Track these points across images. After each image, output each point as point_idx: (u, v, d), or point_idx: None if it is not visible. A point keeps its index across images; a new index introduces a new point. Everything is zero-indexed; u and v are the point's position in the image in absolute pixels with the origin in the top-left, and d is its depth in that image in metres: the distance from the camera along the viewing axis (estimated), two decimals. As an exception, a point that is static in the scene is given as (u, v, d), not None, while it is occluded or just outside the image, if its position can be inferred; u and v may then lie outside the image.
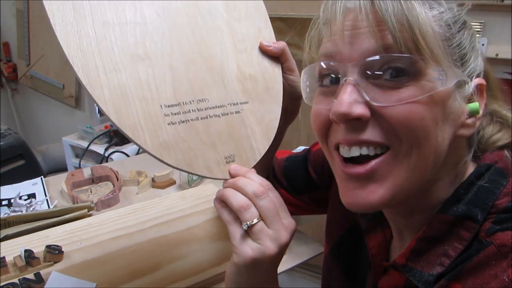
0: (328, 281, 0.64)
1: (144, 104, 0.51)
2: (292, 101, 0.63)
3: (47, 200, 0.94)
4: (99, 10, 0.51)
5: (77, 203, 0.92)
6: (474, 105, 0.41)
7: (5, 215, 0.82)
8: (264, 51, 0.61)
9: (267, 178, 0.71)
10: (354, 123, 0.40)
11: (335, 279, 0.61)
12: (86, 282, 0.64)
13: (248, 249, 0.46)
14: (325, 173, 0.69)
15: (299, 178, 0.72)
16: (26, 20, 2.43)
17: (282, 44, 0.61)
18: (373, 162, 0.41)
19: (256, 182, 0.48)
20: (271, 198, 0.48)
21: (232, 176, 0.51)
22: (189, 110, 0.54)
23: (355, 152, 0.41)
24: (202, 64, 0.56)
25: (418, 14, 0.38)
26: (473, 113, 0.42)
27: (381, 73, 0.39)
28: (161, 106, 0.52)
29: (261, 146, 0.58)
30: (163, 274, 0.67)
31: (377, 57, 0.39)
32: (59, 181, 1.03)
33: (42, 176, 1.05)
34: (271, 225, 0.46)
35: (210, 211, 0.82)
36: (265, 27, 0.63)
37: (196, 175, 0.52)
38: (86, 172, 1.07)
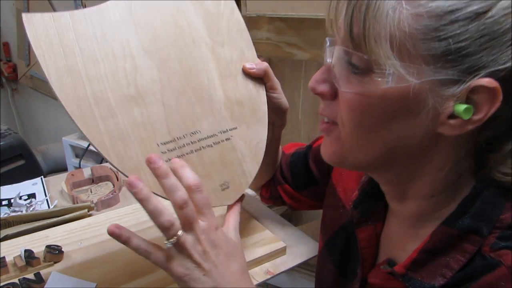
0: (321, 275, 0.64)
1: (142, 145, 0.52)
2: (278, 116, 0.67)
3: (47, 200, 0.94)
4: (90, 57, 0.52)
5: (77, 203, 0.92)
6: (459, 107, 0.37)
7: (5, 215, 0.82)
8: (248, 74, 0.62)
9: (272, 176, 0.77)
10: (323, 96, 0.46)
11: (328, 273, 0.62)
12: (86, 282, 0.64)
13: (178, 267, 0.47)
14: (325, 170, 0.71)
15: (300, 174, 0.75)
16: (26, 20, 2.43)
17: (264, 65, 0.64)
18: (325, 125, 0.47)
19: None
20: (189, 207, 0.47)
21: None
22: (184, 144, 0.55)
23: (322, 116, 0.48)
24: (191, 96, 0.57)
25: (380, 11, 0.36)
26: (458, 115, 0.38)
27: (348, 60, 0.41)
28: (157, 144, 0.53)
29: (252, 169, 0.60)
30: (163, 274, 0.67)
31: (340, 48, 0.41)
32: (59, 181, 1.02)
33: (42, 176, 1.05)
34: (192, 232, 0.47)
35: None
36: (247, 47, 0.64)
37: None
38: (86, 172, 1.07)
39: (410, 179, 0.45)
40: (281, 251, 0.72)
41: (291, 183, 0.76)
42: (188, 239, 0.47)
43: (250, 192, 0.96)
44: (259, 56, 0.66)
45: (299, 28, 1.65)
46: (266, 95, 0.64)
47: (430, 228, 0.45)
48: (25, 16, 0.49)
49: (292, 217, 0.90)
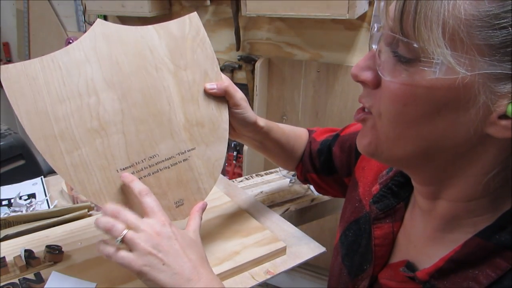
0: (332, 267, 0.64)
1: (102, 172, 0.57)
2: (246, 129, 0.70)
3: (47, 200, 0.94)
4: (57, 98, 0.56)
5: (77, 203, 0.92)
6: (510, 107, 0.34)
7: (5, 215, 0.82)
8: (209, 94, 0.65)
9: (301, 159, 0.81)
10: (364, 84, 0.43)
11: (337, 265, 0.62)
12: (86, 282, 0.64)
13: (134, 261, 0.50)
14: (345, 161, 0.73)
15: (326, 161, 0.76)
16: (26, 20, 2.43)
17: (225, 84, 0.65)
18: (364, 114, 0.44)
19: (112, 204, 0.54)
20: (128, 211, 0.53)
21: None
22: (142, 168, 0.60)
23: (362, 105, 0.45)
24: (151, 122, 0.61)
25: None
26: (510, 116, 0.34)
27: (394, 49, 0.38)
28: (117, 170, 0.58)
29: (208, 186, 0.65)
30: (163, 274, 0.67)
31: (388, 34, 0.38)
32: (59, 181, 1.02)
33: (42, 176, 1.05)
34: (137, 230, 0.52)
35: (210, 211, 0.82)
36: (211, 67, 0.67)
37: None
38: (86, 172, 1.07)
39: (448, 179, 0.42)
40: (281, 251, 0.72)
41: (319, 169, 0.78)
42: (136, 235, 0.51)
43: (250, 192, 0.96)
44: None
45: (299, 28, 1.65)
46: (231, 111, 0.67)
47: (460, 234, 0.43)
48: (1, 68, 0.54)
49: (292, 217, 0.90)
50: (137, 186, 0.56)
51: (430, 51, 0.34)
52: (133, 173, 0.59)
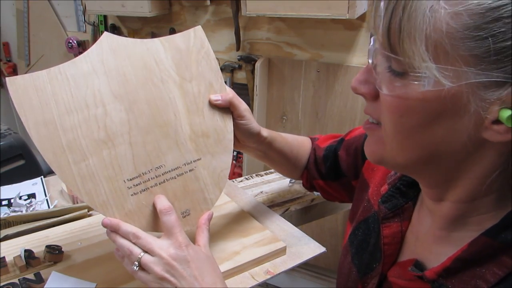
0: (342, 266, 0.65)
1: (110, 182, 0.58)
2: (250, 139, 0.70)
3: (47, 200, 0.94)
4: (65, 109, 0.57)
5: (77, 203, 0.92)
6: (504, 113, 0.34)
7: (5, 215, 0.82)
8: (214, 105, 0.66)
9: (306, 167, 0.81)
10: (364, 97, 0.45)
11: (347, 264, 0.62)
12: (86, 282, 0.64)
13: (150, 284, 0.54)
14: (352, 164, 0.73)
15: (332, 167, 0.77)
16: (26, 20, 2.43)
17: (229, 96, 0.66)
18: (369, 125, 0.46)
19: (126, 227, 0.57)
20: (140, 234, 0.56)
21: (109, 226, 0.58)
22: (148, 178, 0.60)
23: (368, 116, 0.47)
24: (158, 133, 0.62)
25: (417, 11, 0.35)
26: (503, 121, 0.35)
27: (388, 63, 0.39)
28: (124, 181, 0.59)
29: (214, 196, 0.65)
30: (163, 274, 0.67)
31: (378, 50, 0.40)
32: (59, 181, 1.02)
33: (42, 176, 1.05)
34: (152, 253, 0.54)
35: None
36: (216, 79, 0.68)
37: (159, 232, 0.59)
38: (86, 172, 1.07)
39: (452, 182, 0.43)
40: (281, 251, 0.72)
41: (325, 175, 0.79)
42: (150, 260, 0.54)
43: (250, 192, 0.96)
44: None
45: (299, 28, 1.65)
46: (235, 122, 0.68)
47: (465, 232, 0.44)
48: (8, 80, 0.55)
49: (292, 217, 0.90)
50: (160, 203, 0.58)
51: (416, 66, 0.36)
52: (140, 183, 0.59)
